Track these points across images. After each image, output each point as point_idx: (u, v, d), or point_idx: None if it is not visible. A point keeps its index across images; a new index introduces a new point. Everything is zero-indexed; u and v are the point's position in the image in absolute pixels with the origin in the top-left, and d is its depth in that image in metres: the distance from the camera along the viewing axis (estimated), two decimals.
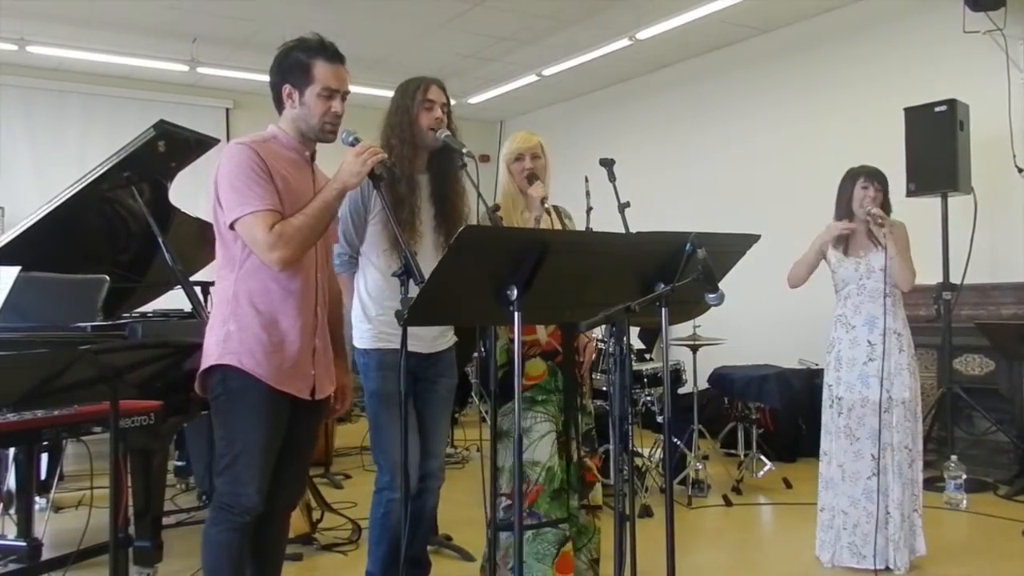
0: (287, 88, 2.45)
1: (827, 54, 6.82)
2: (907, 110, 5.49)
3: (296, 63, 2.43)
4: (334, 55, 2.46)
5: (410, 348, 2.83)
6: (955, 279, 5.35)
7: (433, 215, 2.96)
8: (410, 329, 2.73)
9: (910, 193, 5.29)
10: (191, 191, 4.58)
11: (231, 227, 2.36)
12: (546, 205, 3.09)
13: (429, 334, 2.98)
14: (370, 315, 2.95)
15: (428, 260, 2.55)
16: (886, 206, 3.74)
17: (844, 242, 3.78)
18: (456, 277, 2.17)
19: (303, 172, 2.50)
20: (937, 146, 5.31)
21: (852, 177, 3.78)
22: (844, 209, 3.79)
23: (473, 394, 7.33)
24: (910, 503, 3.64)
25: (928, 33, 6.08)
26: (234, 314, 2.40)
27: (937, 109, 5.33)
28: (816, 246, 3.80)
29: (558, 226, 3.30)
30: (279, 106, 2.50)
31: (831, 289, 3.86)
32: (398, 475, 2.88)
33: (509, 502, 3.07)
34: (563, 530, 3.06)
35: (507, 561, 3.11)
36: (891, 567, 3.59)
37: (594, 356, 3.39)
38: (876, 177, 3.74)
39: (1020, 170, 5.54)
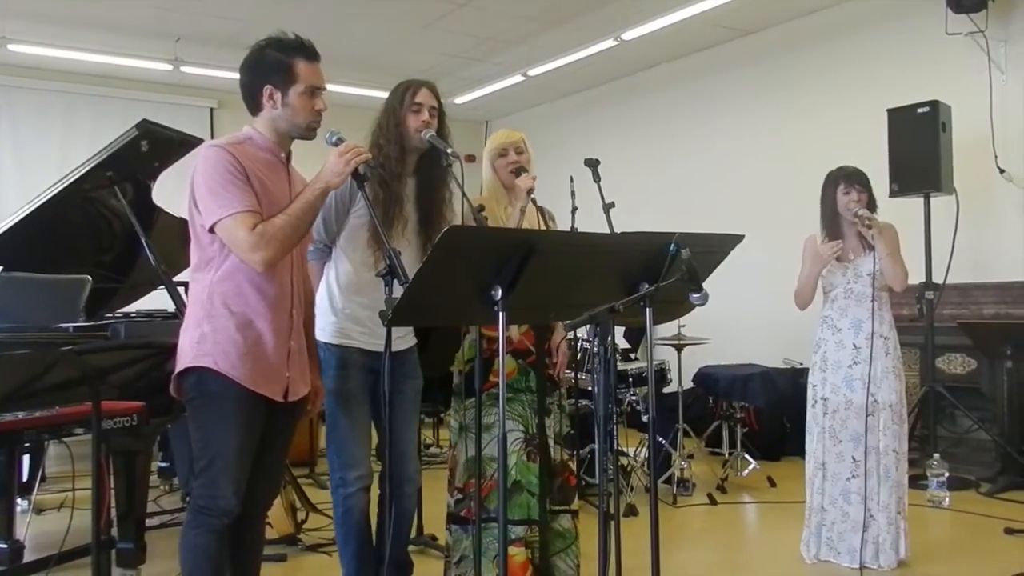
0: (268, 89, 2.41)
1: (811, 56, 6.85)
2: (890, 111, 5.52)
3: (276, 63, 2.40)
4: (313, 53, 2.44)
5: (372, 348, 2.85)
6: (937, 279, 5.38)
7: (417, 219, 2.95)
8: (373, 328, 2.74)
9: (893, 193, 5.32)
10: (175, 191, 4.54)
11: (211, 230, 2.34)
12: (532, 195, 3.10)
13: (391, 333, 2.95)
14: (336, 308, 2.91)
15: (408, 263, 2.53)
16: (872, 204, 3.72)
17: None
18: (440, 277, 2.17)
19: (279, 174, 2.49)
20: (920, 147, 5.34)
21: (832, 182, 3.75)
22: (829, 214, 3.76)
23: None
24: (897, 506, 3.65)
25: (911, 35, 6.12)
26: (209, 316, 2.38)
27: (920, 110, 5.36)
28: (813, 273, 3.74)
29: (539, 226, 3.30)
30: (254, 107, 2.46)
31: (817, 289, 3.87)
32: (350, 471, 2.88)
33: (460, 496, 3.15)
34: (509, 531, 3.02)
35: (452, 556, 3.17)
36: (872, 567, 3.60)
37: (567, 356, 3.38)
38: (856, 179, 3.70)
39: (1001, 171, 5.59)
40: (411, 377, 3.05)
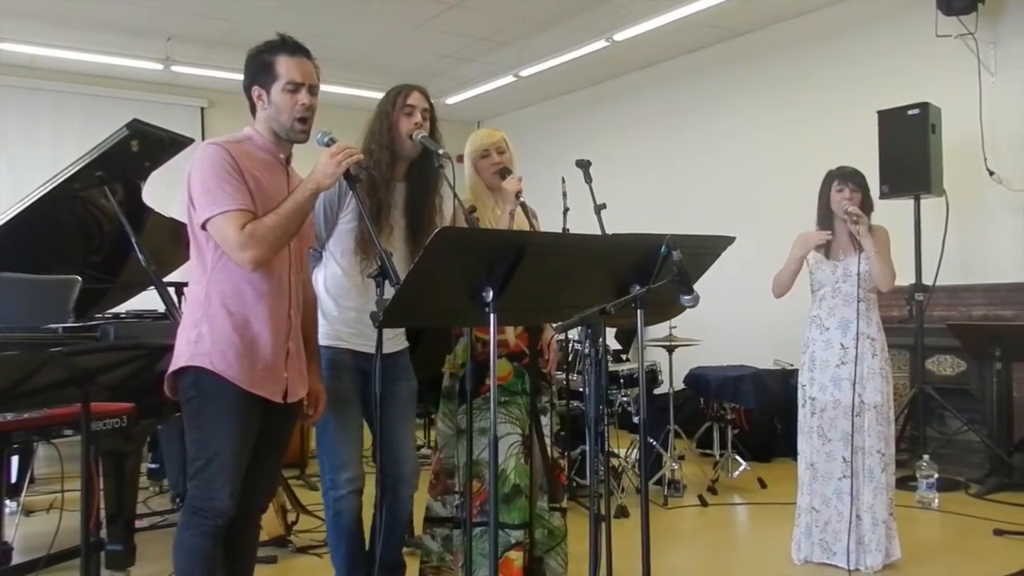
0: (256, 90, 2.44)
1: (802, 57, 6.87)
2: (880, 113, 5.54)
3: (261, 64, 2.43)
4: (295, 49, 2.44)
5: (362, 349, 2.84)
6: (927, 280, 5.41)
7: (405, 225, 2.94)
8: (363, 330, 2.72)
9: (883, 195, 5.34)
10: (166, 191, 4.54)
11: (203, 227, 2.34)
12: (521, 198, 3.08)
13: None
14: (326, 311, 2.89)
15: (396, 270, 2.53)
16: (866, 205, 3.75)
17: (825, 244, 3.80)
18: (432, 278, 2.17)
19: (277, 175, 2.48)
20: (910, 148, 5.37)
21: (828, 180, 3.80)
22: (823, 212, 3.80)
23: None
24: (883, 507, 3.65)
25: (901, 37, 6.14)
26: (206, 316, 2.38)
27: (910, 112, 5.39)
28: (796, 257, 3.78)
29: (525, 223, 3.29)
30: (252, 109, 2.49)
31: (806, 290, 3.88)
32: (341, 473, 2.86)
33: (460, 500, 3.13)
34: (508, 535, 3.03)
35: (458, 559, 3.15)
36: (862, 568, 3.61)
37: (558, 354, 3.39)
38: (851, 178, 3.74)
39: (991, 172, 5.61)
40: (403, 379, 3.03)
